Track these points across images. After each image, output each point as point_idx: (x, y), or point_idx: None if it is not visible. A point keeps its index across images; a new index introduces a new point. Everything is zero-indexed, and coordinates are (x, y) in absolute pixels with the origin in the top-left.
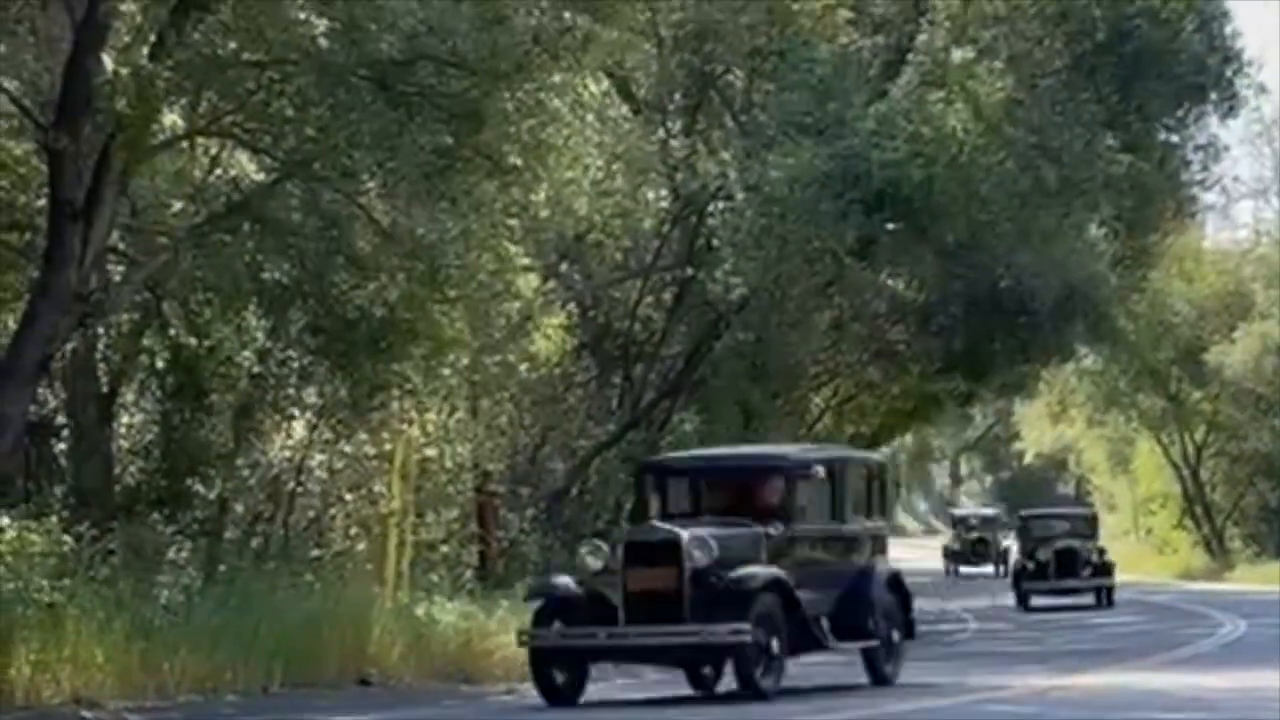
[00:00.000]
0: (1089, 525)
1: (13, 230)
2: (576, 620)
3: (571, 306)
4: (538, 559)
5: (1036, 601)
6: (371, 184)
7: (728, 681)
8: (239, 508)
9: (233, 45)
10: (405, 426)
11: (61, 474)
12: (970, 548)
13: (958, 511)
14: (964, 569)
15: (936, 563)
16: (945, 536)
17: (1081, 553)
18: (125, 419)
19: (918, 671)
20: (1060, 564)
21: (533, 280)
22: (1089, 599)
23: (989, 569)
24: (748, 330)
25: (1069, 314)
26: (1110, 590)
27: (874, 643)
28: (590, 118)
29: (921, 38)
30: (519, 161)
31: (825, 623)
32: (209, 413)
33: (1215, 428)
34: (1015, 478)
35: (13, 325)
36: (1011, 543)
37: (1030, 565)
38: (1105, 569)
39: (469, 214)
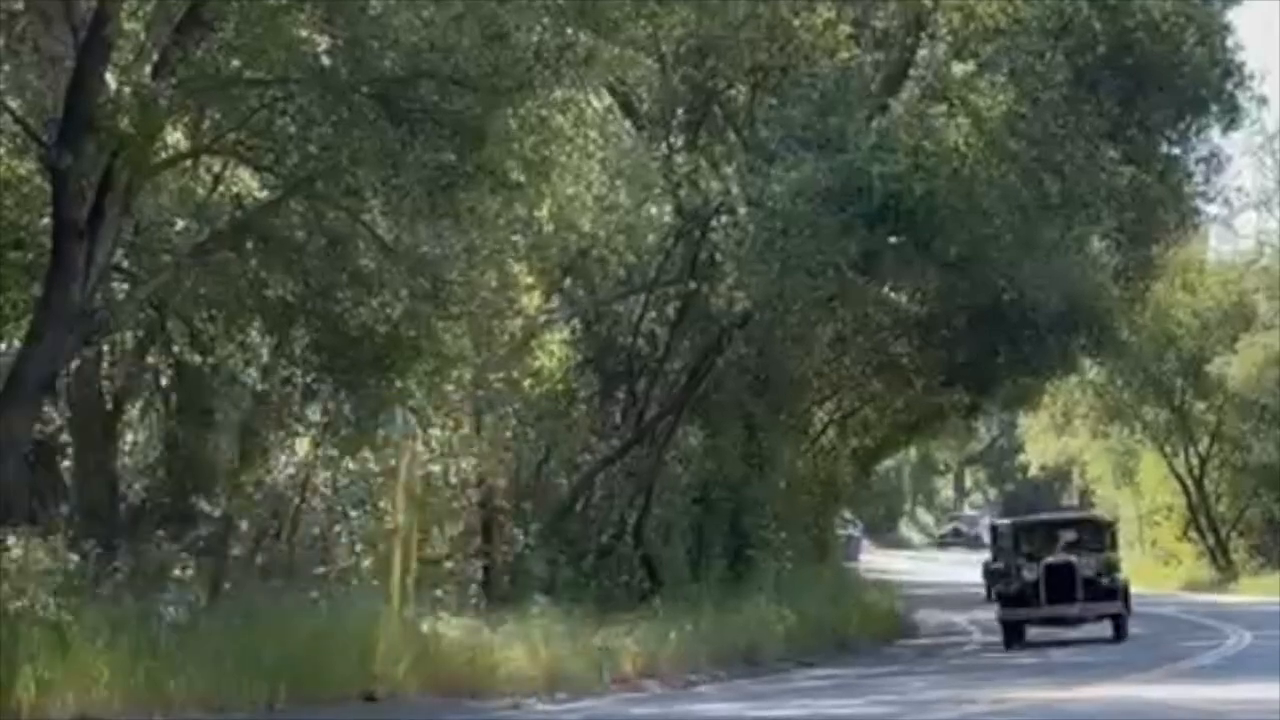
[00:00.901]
0: (1096, 534)
1: (16, 248)
2: None
3: (575, 322)
4: (542, 574)
5: (1030, 634)
6: (374, 201)
7: None
8: (244, 525)
9: (235, 63)
10: (409, 443)
11: (66, 492)
12: None
13: (1000, 522)
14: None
15: (943, 573)
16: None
17: (1080, 569)
18: (129, 437)
19: (919, 685)
20: (1052, 584)
21: (536, 296)
22: (1102, 629)
23: None
24: (751, 345)
25: (1072, 326)
26: (1120, 619)
27: None
28: (593, 134)
29: (922, 52)
30: (522, 178)
31: None
32: (213, 430)
33: (1219, 439)
34: (1020, 490)
35: (17, 343)
36: None
37: (1015, 586)
38: (1113, 591)
39: (472, 230)
